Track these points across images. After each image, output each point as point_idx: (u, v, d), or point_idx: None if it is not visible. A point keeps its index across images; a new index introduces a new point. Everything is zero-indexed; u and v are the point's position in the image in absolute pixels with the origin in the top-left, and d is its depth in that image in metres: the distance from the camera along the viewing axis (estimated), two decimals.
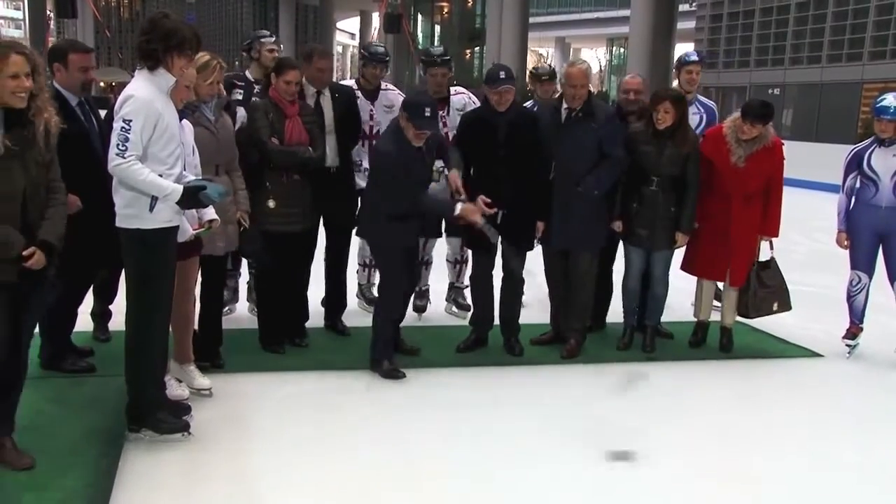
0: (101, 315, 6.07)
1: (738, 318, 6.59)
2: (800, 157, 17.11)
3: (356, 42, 74.91)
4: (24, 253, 3.83)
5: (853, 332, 6.61)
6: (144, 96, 4.17)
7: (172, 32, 4.24)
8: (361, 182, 6.39)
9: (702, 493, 4.29)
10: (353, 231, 6.33)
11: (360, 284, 7.19)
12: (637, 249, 6.36)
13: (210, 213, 4.77)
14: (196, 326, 5.35)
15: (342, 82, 6.95)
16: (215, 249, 5.25)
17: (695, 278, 6.64)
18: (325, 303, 6.58)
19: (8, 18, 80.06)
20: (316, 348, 6.14)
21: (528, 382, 5.78)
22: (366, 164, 6.48)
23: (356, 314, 6.83)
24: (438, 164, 6.11)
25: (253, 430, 4.76)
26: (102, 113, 5.44)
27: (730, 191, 6.23)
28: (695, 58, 7.59)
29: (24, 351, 4.09)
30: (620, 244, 6.60)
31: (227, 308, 6.53)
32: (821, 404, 5.70)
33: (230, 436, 4.66)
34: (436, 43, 55.91)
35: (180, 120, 4.58)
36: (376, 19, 58.54)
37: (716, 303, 6.81)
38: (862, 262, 6.50)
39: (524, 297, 6.93)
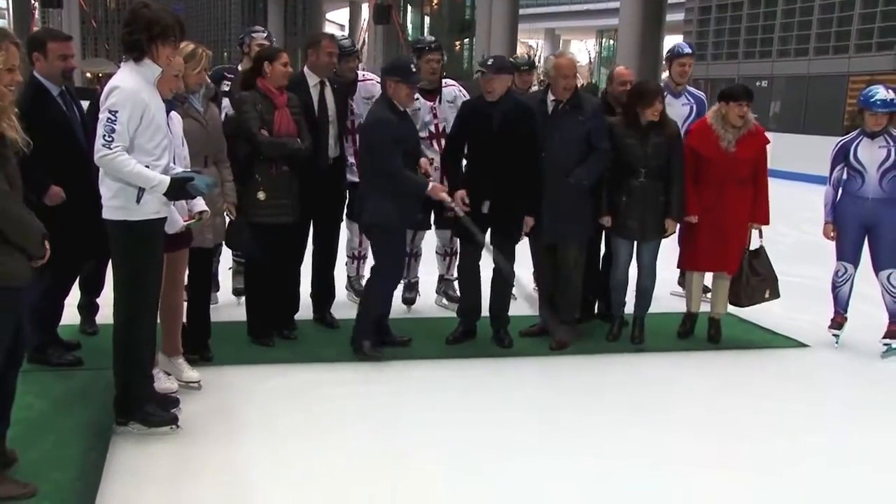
0: (88, 308, 6.00)
1: (729, 308, 6.60)
2: (787, 149, 17.18)
3: (345, 34, 74.80)
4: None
5: (838, 322, 6.62)
6: (130, 87, 4.13)
7: (155, 21, 4.20)
8: (350, 177, 6.39)
9: (695, 481, 4.29)
10: (343, 221, 6.32)
11: (349, 277, 7.18)
12: (625, 242, 6.34)
13: (200, 204, 4.73)
14: (184, 319, 5.31)
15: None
16: (204, 241, 5.22)
17: (674, 270, 6.63)
18: (313, 295, 6.54)
19: None
20: (305, 340, 6.12)
21: (518, 374, 5.77)
22: (350, 160, 6.48)
23: (345, 306, 6.78)
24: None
25: (242, 423, 4.73)
26: (85, 104, 5.39)
27: (724, 177, 6.24)
28: (688, 50, 7.65)
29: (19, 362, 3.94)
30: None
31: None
32: (808, 393, 5.73)
33: (219, 428, 4.63)
34: (425, 34, 55.85)
35: (169, 111, 4.55)
36: (366, 10, 58.38)
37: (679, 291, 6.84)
38: (848, 253, 6.50)
39: (513, 290, 6.94)
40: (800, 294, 6.86)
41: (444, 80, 6.86)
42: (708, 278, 6.68)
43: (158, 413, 4.49)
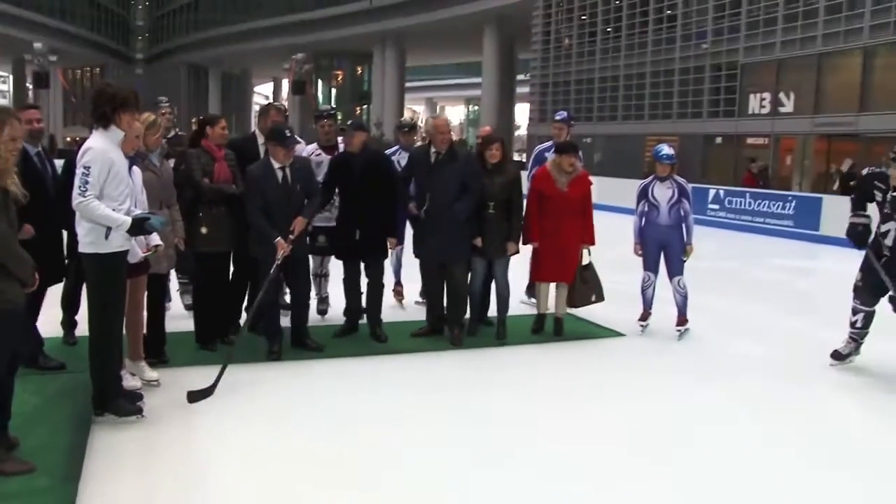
0: (69, 323, 5.77)
1: (568, 309, 6.69)
2: (607, 189, 17.68)
3: (272, 101, 73.63)
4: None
5: (645, 317, 6.83)
6: (100, 148, 4.08)
7: (116, 95, 4.18)
8: None
9: (546, 435, 4.34)
10: None
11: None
12: (481, 260, 6.37)
13: (155, 239, 4.59)
14: (144, 330, 5.13)
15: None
16: (160, 268, 5.09)
17: (524, 282, 6.71)
18: (247, 308, 6.34)
19: None
20: (244, 345, 5.93)
21: (403, 368, 5.66)
22: None
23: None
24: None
25: (195, 412, 4.58)
26: (59, 162, 5.28)
27: (560, 211, 6.34)
28: (557, 117, 7.70)
29: (16, 367, 3.77)
30: None
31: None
32: (624, 370, 5.87)
33: (177, 417, 4.48)
34: (332, 102, 55.47)
35: (131, 166, 4.43)
36: (286, 84, 57.68)
37: (532, 299, 6.90)
38: (650, 265, 6.72)
39: (403, 301, 6.95)
40: (618, 296, 7.03)
41: (339, 139, 6.75)
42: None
43: (127, 405, 4.34)
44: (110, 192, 4.08)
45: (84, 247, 4.13)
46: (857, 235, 5.62)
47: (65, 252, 5.07)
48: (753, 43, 24.69)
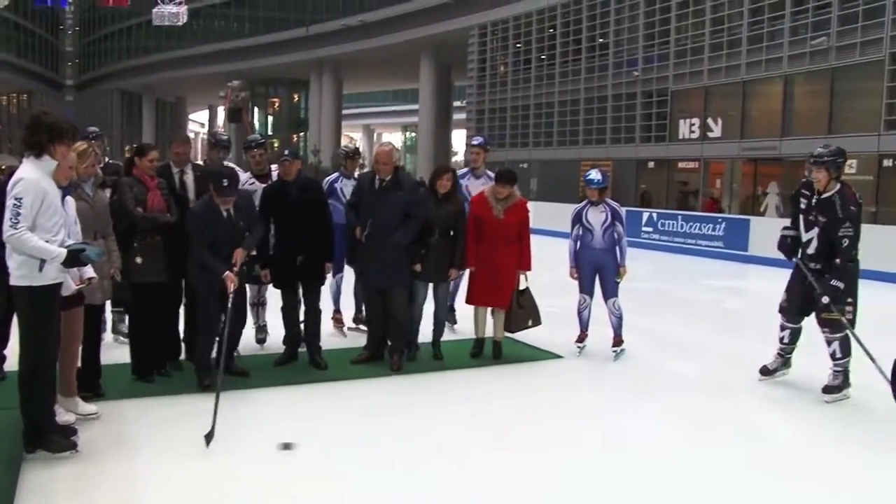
0: None
1: (505, 333, 6.75)
2: (543, 213, 17.98)
3: (205, 130, 72.74)
4: None
5: (581, 338, 6.94)
6: (32, 177, 3.98)
7: (54, 125, 4.10)
8: None
9: (486, 459, 4.41)
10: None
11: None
12: (423, 284, 6.44)
13: (89, 271, 4.51)
14: (79, 363, 5.01)
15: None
16: (94, 300, 4.98)
17: (465, 306, 6.79)
18: (186, 339, 6.22)
19: None
20: (179, 377, 5.85)
21: (344, 395, 5.64)
22: None
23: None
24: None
25: (131, 446, 4.50)
26: None
27: (496, 237, 6.43)
28: (475, 141, 7.78)
29: None
30: None
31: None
32: (562, 391, 5.98)
33: (112, 451, 4.38)
34: (269, 130, 55.09)
35: (65, 196, 4.35)
36: (221, 112, 57.09)
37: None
38: (586, 288, 6.85)
39: (344, 328, 6.95)
40: (556, 319, 7.16)
41: (271, 167, 6.73)
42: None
43: (60, 441, 4.22)
44: (43, 224, 4.00)
45: (16, 280, 4.02)
46: (785, 247, 5.86)
47: None
48: (682, 70, 25.53)
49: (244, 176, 6.56)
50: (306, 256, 6.04)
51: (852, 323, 5.58)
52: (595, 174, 6.78)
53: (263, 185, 6.49)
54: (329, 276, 6.72)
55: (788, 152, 21.96)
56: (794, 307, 5.79)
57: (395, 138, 74.81)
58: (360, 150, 8.83)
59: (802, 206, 5.76)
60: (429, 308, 6.56)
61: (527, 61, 32.24)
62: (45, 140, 4.05)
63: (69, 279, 4.37)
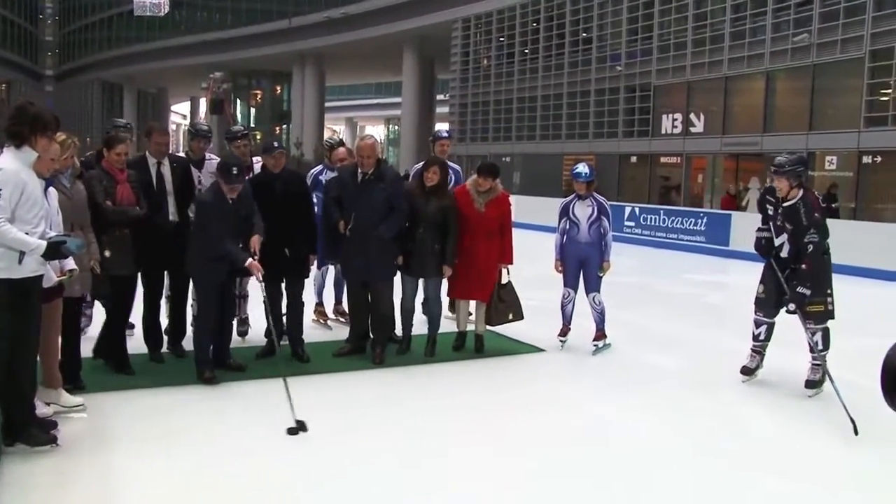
0: None
1: (487, 327, 6.76)
2: (525, 207, 18.02)
3: (187, 122, 72.27)
4: None
5: (564, 332, 6.95)
6: (12, 168, 3.93)
7: (37, 116, 4.05)
8: None
9: (466, 452, 4.43)
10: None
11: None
12: (410, 278, 6.45)
13: (70, 263, 4.47)
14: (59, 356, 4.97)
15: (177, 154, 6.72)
16: (73, 292, 4.93)
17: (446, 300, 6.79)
18: (168, 331, 6.24)
19: None
20: (159, 369, 5.83)
21: (325, 388, 5.63)
22: None
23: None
24: None
25: (111, 438, 4.47)
26: None
27: (476, 230, 6.42)
28: (444, 133, 7.73)
29: None
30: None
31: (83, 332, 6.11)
32: (543, 384, 6.00)
33: (92, 444, 4.35)
34: (251, 122, 54.81)
35: (48, 188, 4.31)
36: (203, 104, 56.71)
37: (452, 315, 7.02)
38: (570, 281, 6.87)
39: (327, 321, 6.94)
40: (538, 313, 7.17)
41: (254, 158, 6.71)
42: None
43: (40, 434, 4.18)
44: (23, 215, 3.95)
45: None
46: (760, 248, 5.93)
47: None
48: (665, 66, 25.65)
49: None
50: (290, 249, 6.01)
51: (832, 314, 5.65)
52: (583, 168, 6.79)
53: (247, 177, 6.46)
54: (314, 269, 6.70)
55: (770, 148, 22.13)
56: (771, 299, 5.84)
57: (378, 131, 74.66)
58: (344, 141, 8.76)
59: (769, 211, 5.84)
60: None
61: (510, 55, 32.29)
62: (27, 131, 4.00)
63: (50, 271, 4.33)
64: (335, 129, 70.64)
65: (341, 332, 6.83)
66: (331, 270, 7.40)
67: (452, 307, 7.20)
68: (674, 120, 25.64)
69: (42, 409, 4.55)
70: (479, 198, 6.46)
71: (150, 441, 4.43)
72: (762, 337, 5.94)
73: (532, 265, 7.86)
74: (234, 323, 6.52)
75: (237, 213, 5.50)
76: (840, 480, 4.29)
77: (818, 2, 20.87)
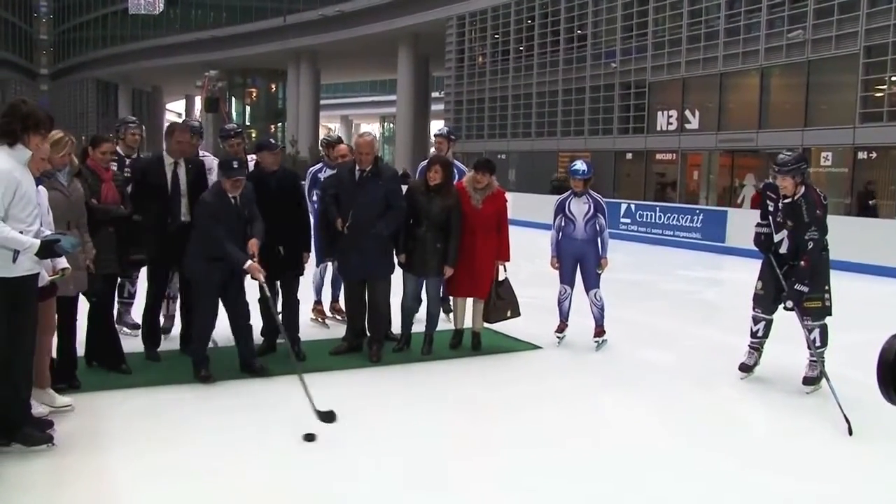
0: None
1: (484, 324, 6.74)
2: (521, 204, 18.01)
3: (182, 120, 72.09)
4: None
5: (561, 329, 6.94)
6: (5, 167, 3.89)
7: (30, 115, 4.01)
8: None
9: (463, 450, 4.42)
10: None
11: None
12: (412, 276, 6.43)
13: (62, 262, 4.41)
14: (53, 354, 4.94)
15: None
16: (68, 291, 4.90)
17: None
18: (182, 332, 6.15)
19: None
20: (156, 367, 5.81)
21: (322, 386, 5.52)
22: None
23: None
24: None
25: (108, 437, 4.44)
26: None
27: (474, 226, 6.39)
28: (439, 131, 7.73)
29: None
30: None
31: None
32: (541, 381, 5.96)
33: (89, 443, 4.33)
34: (246, 120, 54.70)
35: (37, 186, 4.26)
36: (198, 102, 56.58)
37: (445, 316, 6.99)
38: (567, 278, 6.85)
39: (326, 319, 6.91)
40: (535, 310, 7.16)
41: (249, 156, 6.64)
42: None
43: (36, 434, 4.16)
44: (17, 214, 3.91)
45: None
46: (760, 244, 5.91)
47: None
48: (660, 62, 25.65)
49: None
50: (286, 247, 5.99)
51: (829, 310, 5.64)
52: (581, 165, 6.77)
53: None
54: (312, 266, 6.68)
55: (765, 144, 22.16)
56: (770, 295, 5.82)
57: (374, 129, 74.55)
58: (342, 139, 8.75)
59: (770, 207, 5.81)
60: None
61: (505, 52, 32.25)
62: (20, 129, 3.97)
63: (43, 270, 4.29)
64: (330, 126, 70.58)
65: (338, 331, 6.81)
66: (329, 268, 7.38)
67: (447, 306, 7.17)
68: (669, 116, 25.64)
69: (37, 409, 4.52)
70: (476, 194, 6.44)
71: (147, 440, 4.40)
72: (760, 334, 5.93)
73: (528, 262, 7.84)
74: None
75: (239, 214, 5.46)
76: (837, 477, 4.27)
77: None
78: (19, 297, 3.98)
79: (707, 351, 6.89)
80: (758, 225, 5.95)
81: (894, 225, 15.22)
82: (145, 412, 4.89)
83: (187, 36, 52.35)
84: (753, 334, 5.95)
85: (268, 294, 5.44)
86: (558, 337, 6.92)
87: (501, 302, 6.63)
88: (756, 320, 5.93)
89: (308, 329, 6.73)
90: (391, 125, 65.86)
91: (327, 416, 4.56)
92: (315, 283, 7.43)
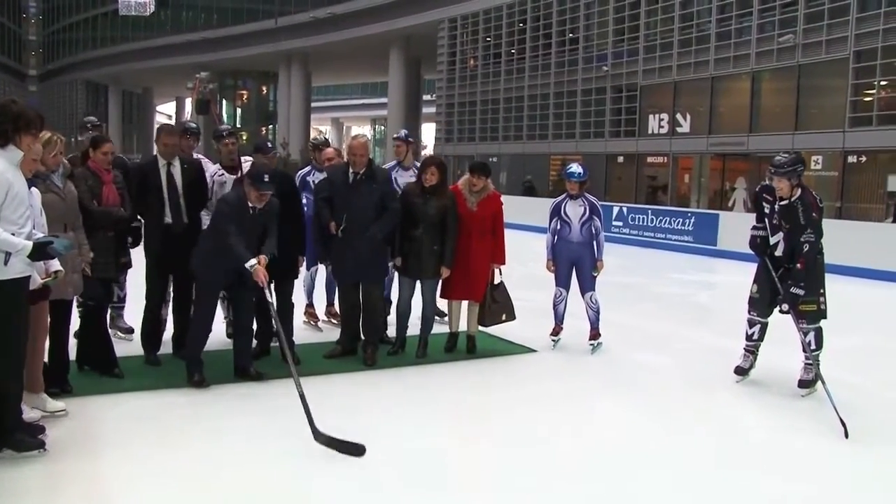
0: None
1: (479, 328, 6.71)
2: (513, 207, 18.00)
3: (173, 122, 71.98)
4: None
5: (556, 331, 6.94)
6: None
7: (21, 115, 3.95)
8: None
9: (459, 453, 4.39)
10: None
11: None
12: (407, 279, 6.40)
13: (55, 264, 4.36)
14: (46, 358, 4.88)
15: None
16: (65, 294, 4.85)
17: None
18: (174, 336, 6.09)
19: None
20: (150, 371, 5.75)
21: (317, 390, 5.47)
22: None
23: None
24: None
25: (100, 442, 4.39)
26: None
27: (470, 229, 6.37)
28: (396, 135, 7.65)
29: None
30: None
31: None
32: (536, 385, 5.94)
33: (81, 448, 4.28)
34: (237, 122, 54.54)
35: (29, 187, 4.21)
36: (189, 104, 56.39)
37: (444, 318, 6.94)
38: (562, 281, 6.85)
39: (318, 322, 6.86)
40: (530, 313, 7.15)
41: (242, 157, 6.60)
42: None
43: (27, 440, 4.10)
44: (9, 216, 3.86)
45: None
46: (755, 247, 5.91)
47: None
48: (651, 66, 25.71)
49: (213, 168, 6.43)
50: (280, 250, 5.93)
51: (824, 313, 5.64)
52: (576, 167, 6.77)
53: (234, 178, 6.38)
54: (303, 270, 6.64)
55: (756, 148, 22.23)
56: (765, 298, 5.82)
57: (365, 132, 74.45)
58: (330, 141, 8.71)
59: (766, 209, 5.81)
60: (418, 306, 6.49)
61: (496, 55, 32.26)
62: (11, 130, 3.91)
63: (35, 273, 4.23)
64: (321, 129, 70.44)
65: (332, 334, 6.77)
66: (321, 271, 7.34)
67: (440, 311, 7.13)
68: (660, 120, 25.70)
69: (29, 414, 4.47)
70: (472, 197, 6.43)
71: (140, 445, 4.36)
72: (755, 336, 5.93)
73: (522, 265, 7.84)
74: (224, 325, 6.44)
75: (255, 224, 5.36)
76: (832, 480, 4.28)
77: (803, 3, 20.98)
78: (11, 300, 3.93)
79: (702, 354, 6.90)
80: (753, 228, 5.95)
81: (885, 228, 15.31)
82: (138, 417, 4.84)
83: (178, 37, 52.15)
84: (749, 337, 5.95)
85: (270, 299, 5.37)
86: (553, 340, 6.91)
87: (496, 305, 6.62)
88: (751, 323, 5.93)
89: (301, 332, 6.69)
90: (382, 128, 65.84)
91: (355, 449, 4.32)
92: (306, 287, 7.38)
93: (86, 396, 5.08)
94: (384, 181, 6.17)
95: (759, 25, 22.41)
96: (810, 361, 5.65)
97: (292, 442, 4.44)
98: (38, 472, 3.96)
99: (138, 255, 6.04)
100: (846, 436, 4.76)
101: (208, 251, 5.42)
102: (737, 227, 13.46)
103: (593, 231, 6.72)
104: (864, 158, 20.31)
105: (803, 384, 5.68)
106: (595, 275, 6.76)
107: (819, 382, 5.41)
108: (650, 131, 26.08)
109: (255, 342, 6.03)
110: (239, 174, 6.41)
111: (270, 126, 54.48)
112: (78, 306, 5.46)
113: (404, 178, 7.10)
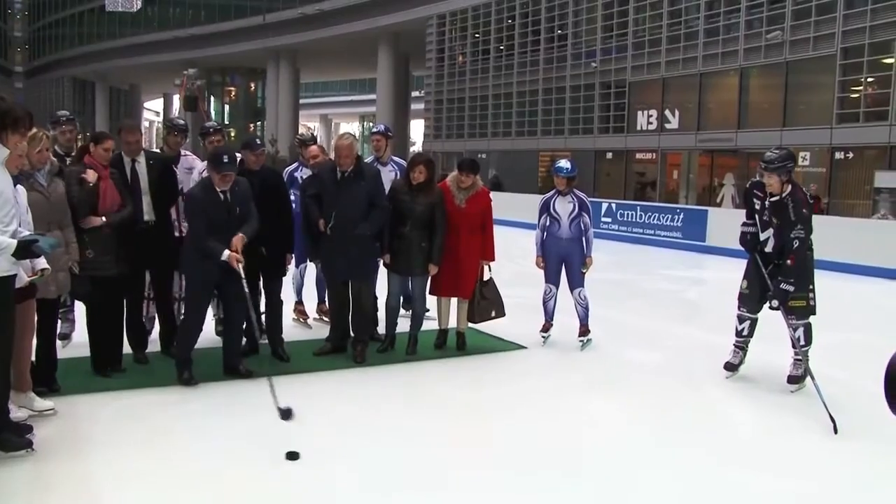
0: None
1: (469, 324, 6.70)
2: (501, 203, 17.98)
3: (160, 118, 71.55)
4: None
5: (546, 328, 6.94)
6: None
7: (9, 112, 3.89)
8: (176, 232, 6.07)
9: (448, 450, 4.37)
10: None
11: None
12: (396, 276, 6.38)
13: (42, 262, 4.31)
14: (33, 358, 4.83)
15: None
16: (48, 293, 4.79)
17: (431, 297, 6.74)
18: (161, 334, 6.09)
19: None
20: (139, 370, 5.71)
21: (307, 387, 5.50)
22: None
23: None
24: None
25: (89, 442, 4.36)
26: None
27: (458, 226, 6.35)
28: (374, 129, 7.59)
29: None
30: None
31: (68, 338, 6.14)
32: (526, 381, 5.95)
33: (69, 448, 4.24)
34: (225, 119, 54.32)
35: (15, 185, 4.16)
36: (177, 100, 56.10)
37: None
38: (552, 277, 6.85)
39: (308, 320, 6.83)
40: (519, 309, 7.14)
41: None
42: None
43: (14, 440, 4.06)
44: None
45: None
46: (745, 243, 5.92)
47: None
48: (640, 62, 25.77)
49: (200, 164, 6.40)
50: (268, 248, 5.91)
51: (814, 309, 5.66)
52: (565, 163, 6.77)
53: None
54: (292, 267, 6.61)
55: (744, 144, 22.32)
56: (755, 295, 5.83)
57: (353, 128, 74.25)
58: (318, 138, 8.70)
59: (756, 206, 5.81)
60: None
61: (485, 51, 32.26)
62: None
63: (21, 271, 4.20)
64: (310, 125, 70.25)
65: (321, 331, 6.75)
66: (310, 269, 7.31)
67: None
68: (649, 116, 25.78)
69: (16, 413, 4.43)
70: (460, 194, 6.41)
71: (128, 444, 4.33)
72: (745, 332, 5.94)
73: (511, 262, 7.83)
74: (213, 322, 6.40)
75: (229, 210, 5.35)
76: (822, 476, 4.29)
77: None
78: None
79: (691, 350, 6.91)
80: (744, 224, 5.95)
81: (873, 224, 15.39)
82: (127, 416, 4.81)
83: (165, 34, 51.86)
84: (738, 333, 5.96)
85: (245, 291, 5.31)
86: (543, 336, 6.91)
87: (486, 302, 6.61)
88: (741, 319, 5.94)
89: (291, 330, 6.66)
90: (371, 124, 65.63)
91: (285, 414, 4.51)
92: (295, 284, 7.36)
93: (74, 395, 5.04)
94: (372, 179, 6.15)
95: (747, 22, 22.50)
96: (800, 357, 5.66)
97: (283, 440, 4.41)
98: (25, 471, 3.93)
99: None
100: (835, 431, 4.77)
101: (190, 251, 5.39)
102: (725, 223, 13.51)
103: (582, 227, 6.72)
104: (850, 155, 20.43)
105: (793, 380, 5.70)
106: (584, 271, 6.76)
107: (808, 378, 5.43)
108: (639, 127, 26.15)
109: (244, 340, 5.99)
110: None
111: (259, 123, 54.32)
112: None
113: (383, 174, 7.03)
